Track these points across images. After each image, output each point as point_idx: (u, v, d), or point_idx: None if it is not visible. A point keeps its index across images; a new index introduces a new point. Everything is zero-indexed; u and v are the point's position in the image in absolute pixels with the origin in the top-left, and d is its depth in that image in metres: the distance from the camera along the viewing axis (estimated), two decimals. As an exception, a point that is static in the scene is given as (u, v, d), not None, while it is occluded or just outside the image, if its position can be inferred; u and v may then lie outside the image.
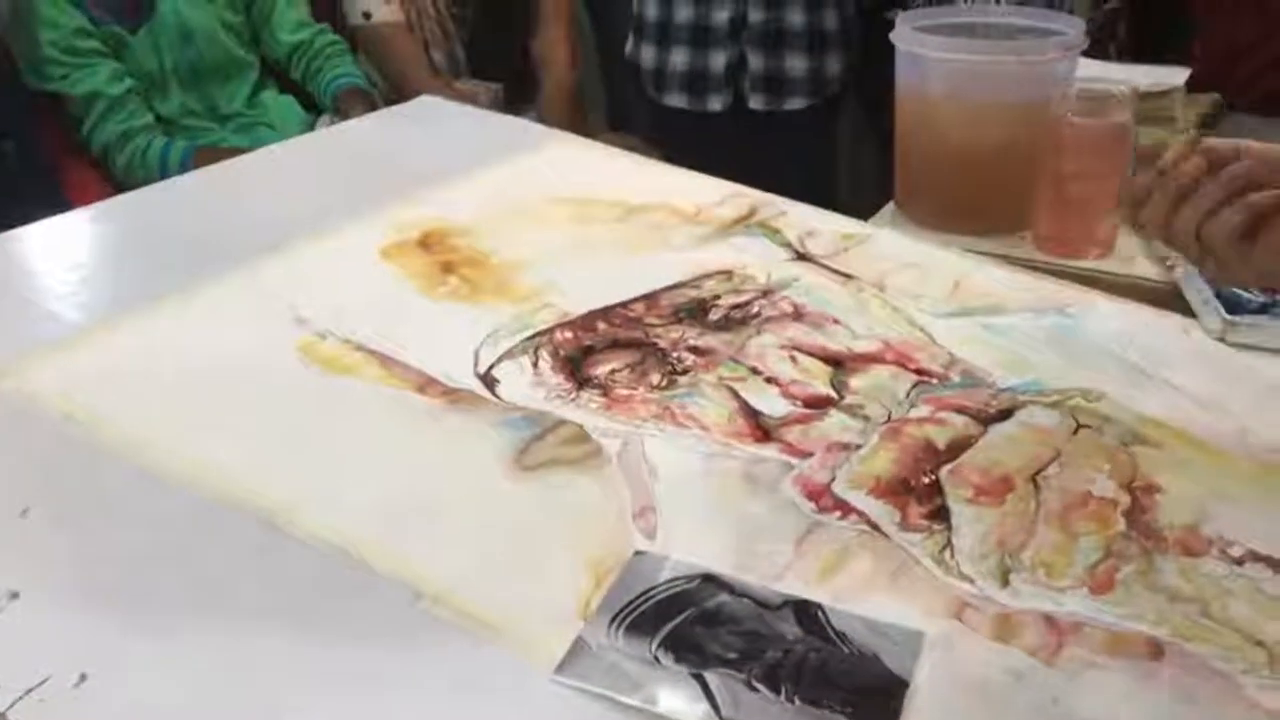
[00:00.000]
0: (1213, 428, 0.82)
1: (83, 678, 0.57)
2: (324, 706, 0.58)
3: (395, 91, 2.10)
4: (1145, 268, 1.19)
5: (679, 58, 1.90)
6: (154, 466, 0.73)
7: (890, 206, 1.35)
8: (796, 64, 1.87)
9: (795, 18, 1.86)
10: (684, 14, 1.88)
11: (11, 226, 1.07)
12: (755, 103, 1.89)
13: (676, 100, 1.92)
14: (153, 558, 0.67)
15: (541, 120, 2.06)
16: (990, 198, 1.25)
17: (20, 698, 0.56)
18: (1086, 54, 1.28)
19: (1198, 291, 1.04)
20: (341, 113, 1.99)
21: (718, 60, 1.87)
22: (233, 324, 0.89)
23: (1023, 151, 1.22)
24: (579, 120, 2.13)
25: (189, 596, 0.64)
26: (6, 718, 0.55)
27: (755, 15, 1.85)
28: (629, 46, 1.99)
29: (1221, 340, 0.96)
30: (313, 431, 0.78)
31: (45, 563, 0.65)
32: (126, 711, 0.57)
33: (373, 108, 1.99)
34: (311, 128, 2.00)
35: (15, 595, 0.62)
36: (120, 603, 0.63)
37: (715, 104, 1.90)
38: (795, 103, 1.90)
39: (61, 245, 1.06)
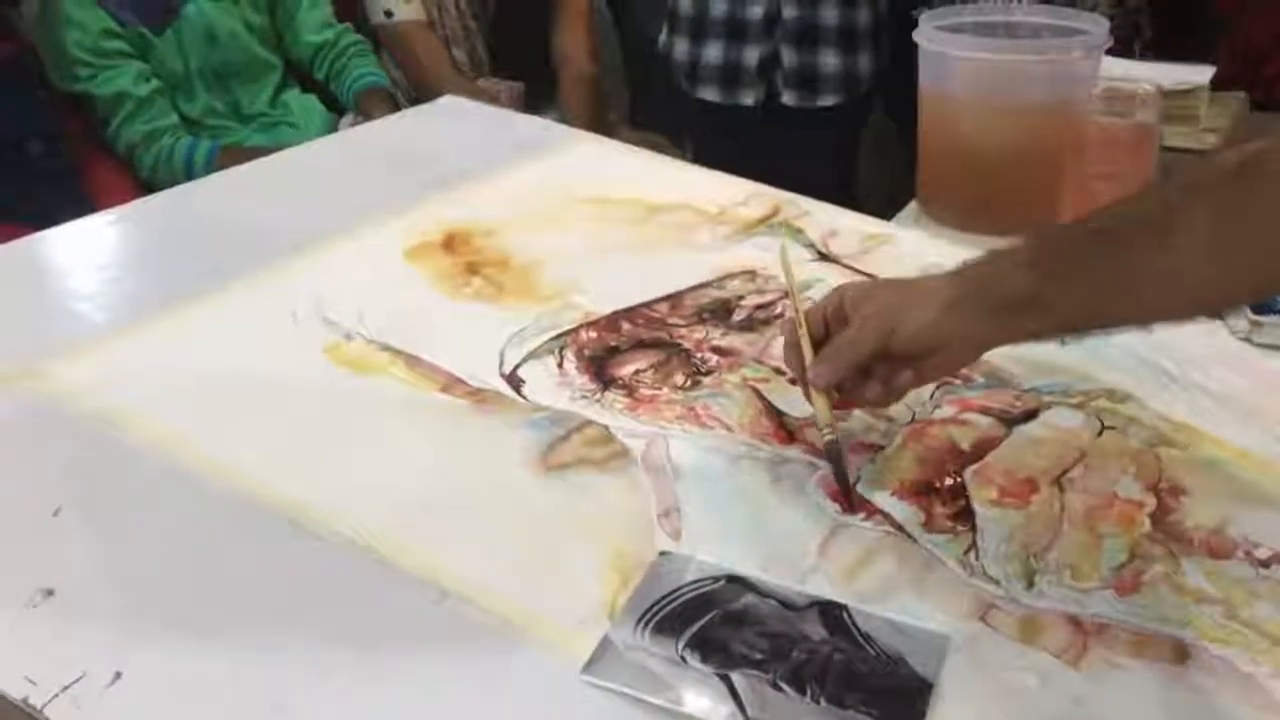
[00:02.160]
0: (1239, 428, 0.82)
1: (117, 675, 0.58)
2: (352, 704, 0.58)
3: (417, 90, 2.11)
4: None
5: (713, 52, 1.91)
6: (183, 466, 0.74)
7: (913, 206, 1.35)
8: (829, 60, 1.88)
9: (829, 14, 1.86)
10: (719, 9, 1.89)
11: (38, 226, 1.08)
12: (788, 98, 1.90)
13: (710, 94, 1.93)
14: (183, 556, 0.68)
15: (563, 117, 2.07)
16: (1014, 197, 1.24)
17: (56, 695, 0.57)
18: (1110, 52, 1.28)
19: (1224, 291, 1.04)
20: (364, 112, 2.00)
21: (751, 55, 1.88)
22: (259, 325, 0.90)
23: (1047, 151, 1.22)
24: (600, 116, 2.14)
25: (219, 595, 0.65)
26: (43, 714, 0.56)
27: (789, 11, 1.86)
28: (662, 39, 2.00)
29: (1248, 340, 0.95)
30: (340, 431, 0.79)
31: (78, 561, 0.66)
32: (160, 708, 0.58)
33: (395, 107, 2.00)
34: (334, 127, 2.01)
35: (50, 593, 0.63)
36: (152, 601, 0.64)
37: (748, 98, 1.91)
38: (827, 99, 1.90)
39: (89, 247, 1.07)
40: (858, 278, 1.00)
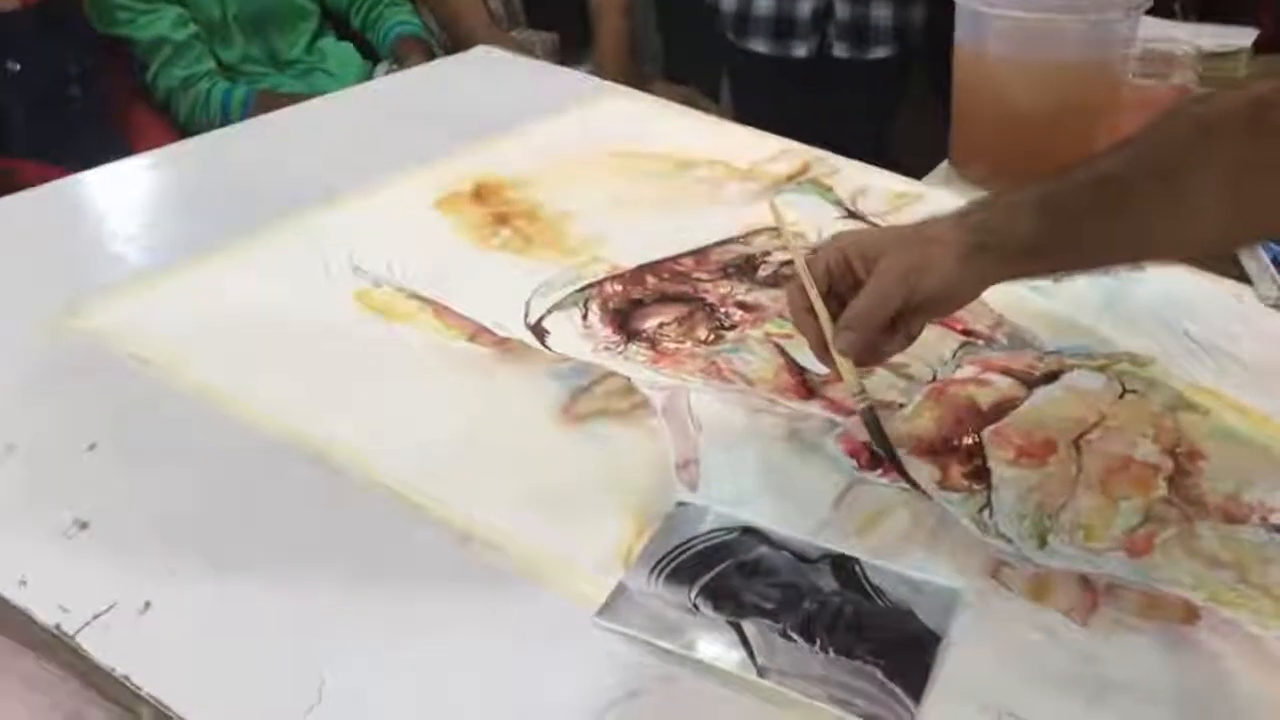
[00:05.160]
0: (1262, 394, 0.82)
1: (147, 605, 0.60)
2: (374, 642, 0.60)
3: (451, 40, 2.11)
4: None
5: (764, 3, 1.90)
6: (215, 406, 0.76)
7: (945, 165, 1.34)
8: (881, 13, 1.87)
9: None
10: None
11: (76, 168, 1.10)
12: (840, 50, 1.89)
13: (760, 45, 1.92)
14: (214, 493, 0.69)
15: (596, 70, 2.06)
16: (1047, 159, 1.22)
17: (88, 622, 0.59)
18: (1150, 12, 1.25)
19: (1255, 257, 1.03)
20: (399, 60, 2.01)
21: (804, 7, 1.87)
22: (292, 271, 0.91)
23: (1082, 113, 1.20)
24: (634, 70, 2.13)
25: (248, 531, 0.67)
26: (75, 640, 0.58)
27: None
28: None
29: (1276, 308, 0.95)
30: (368, 378, 0.80)
31: (112, 496, 0.68)
32: (186, 639, 0.60)
33: (430, 55, 2.01)
34: (369, 75, 2.01)
35: (85, 525, 0.65)
36: (183, 535, 0.66)
37: (800, 50, 1.90)
38: (879, 52, 1.89)
39: (126, 190, 1.09)
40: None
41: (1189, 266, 0.97)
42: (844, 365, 0.72)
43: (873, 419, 0.73)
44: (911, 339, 0.73)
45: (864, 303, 0.70)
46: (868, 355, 0.74)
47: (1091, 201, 0.69)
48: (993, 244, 0.70)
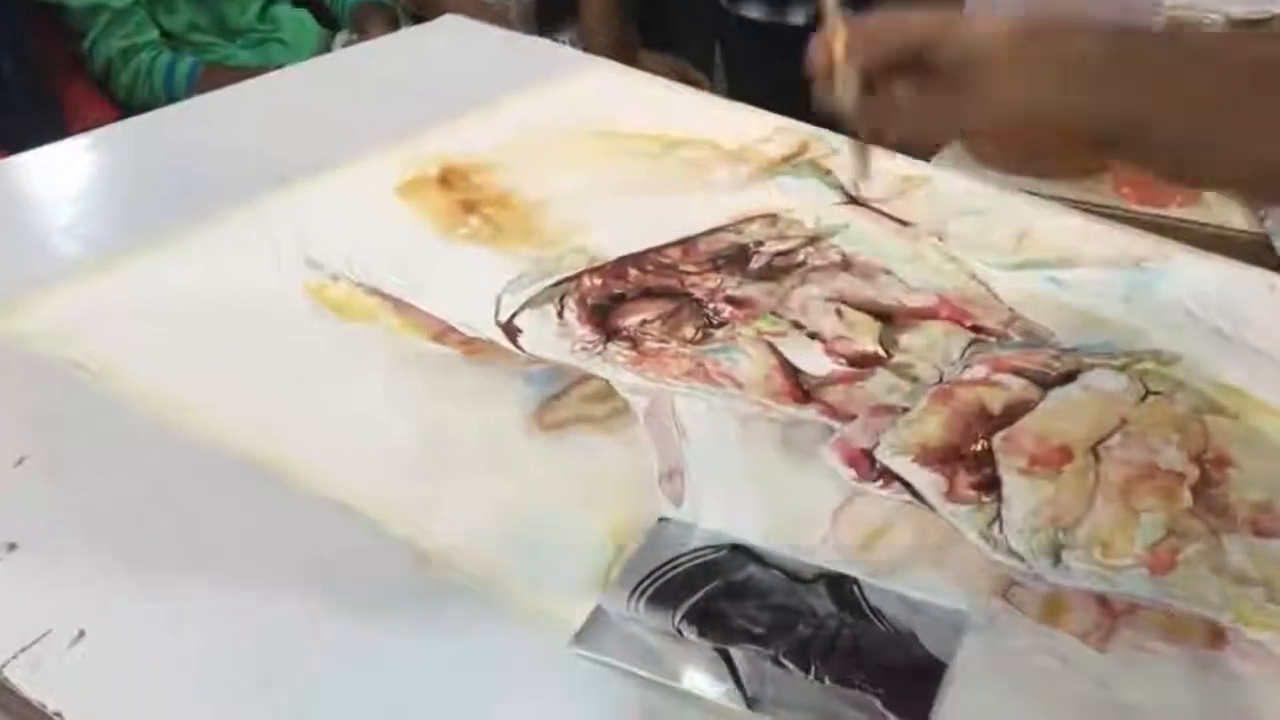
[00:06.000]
0: (1296, 395, 0.83)
1: (81, 634, 0.60)
2: (326, 671, 0.60)
3: (418, 5, 2.10)
4: (1232, 217, 1.18)
5: None
6: (156, 415, 0.76)
7: (955, 146, 1.35)
8: None
9: None
10: None
11: (8, 148, 1.10)
12: None
13: (754, 11, 1.93)
14: (153, 511, 0.69)
15: (580, 39, 2.06)
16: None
17: (15, 655, 0.59)
18: (1178, -24, 1.26)
19: (1290, 245, 1.04)
20: (360, 29, 2.01)
21: None
22: (240, 265, 0.91)
23: (1103, 86, 1.20)
24: (622, 40, 2.13)
25: (190, 553, 0.67)
26: (3, 674, 0.58)
27: None
28: None
29: (1313, 299, 0.95)
30: (322, 382, 0.80)
31: (42, 514, 0.68)
32: (125, 670, 0.60)
33: (393, 23, 2.01)
34: (327, 45, 2.01)
35: (13, 547, 0.65)
36: (120, 558, 0.66)
37: (797, 17, 1.90)
38: None
39: (61, 174, 1.09)
40: (888, 224, 1.00)
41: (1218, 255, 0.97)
42: (846, 73, 0.69)
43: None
44: (919, 118, 0.67)
45: (886, 12, 0.66)
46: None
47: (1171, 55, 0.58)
48: (1049, 42, 0.61)
